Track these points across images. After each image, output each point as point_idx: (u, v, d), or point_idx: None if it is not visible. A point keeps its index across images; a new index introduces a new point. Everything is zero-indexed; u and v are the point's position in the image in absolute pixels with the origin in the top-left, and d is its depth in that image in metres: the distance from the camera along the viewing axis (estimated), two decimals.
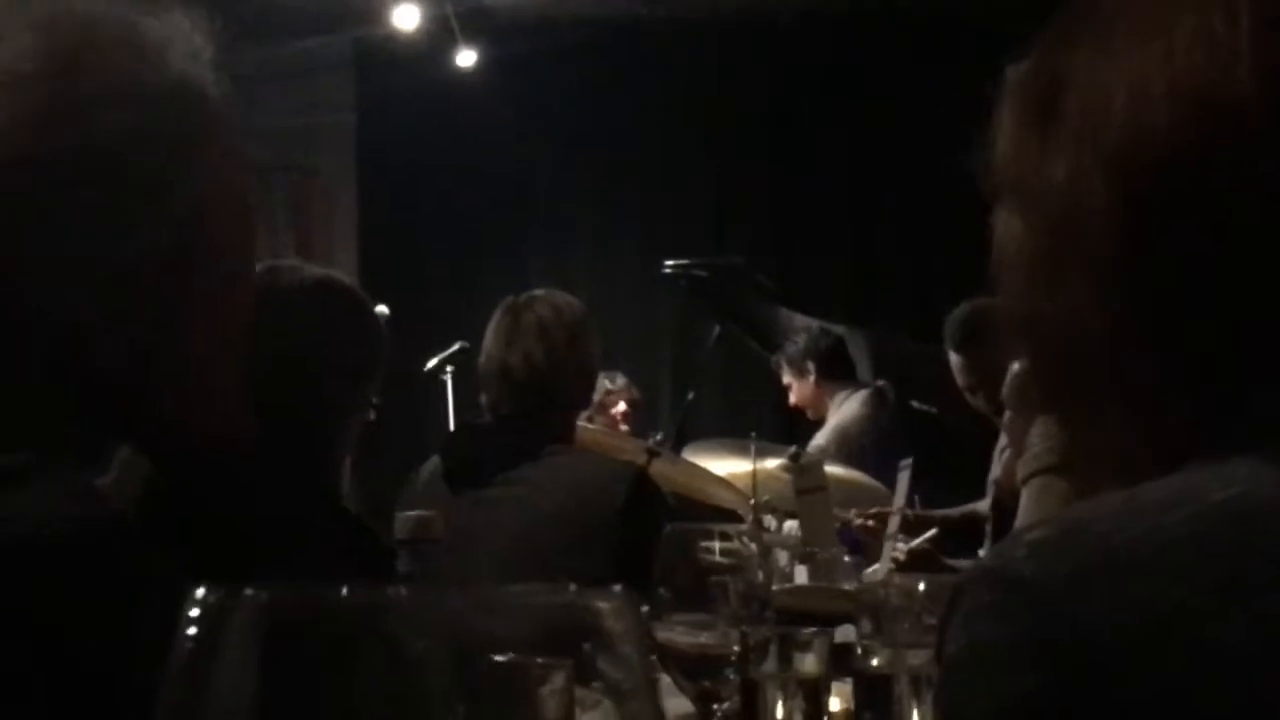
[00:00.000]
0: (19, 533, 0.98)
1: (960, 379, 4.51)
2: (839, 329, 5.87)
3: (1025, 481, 2.16)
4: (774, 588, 2.14)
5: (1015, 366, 2.53)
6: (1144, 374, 0.96)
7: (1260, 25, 0.93)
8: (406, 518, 1.44)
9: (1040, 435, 2.19)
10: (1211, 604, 0.82)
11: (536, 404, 3.37)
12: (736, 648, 1.65)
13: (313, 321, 2.34)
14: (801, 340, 5.85)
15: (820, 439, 5.59)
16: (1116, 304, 0.96)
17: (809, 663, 1.64)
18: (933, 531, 4.03)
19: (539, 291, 3.60)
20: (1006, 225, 1.06)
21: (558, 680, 0.49)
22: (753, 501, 4.39)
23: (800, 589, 2.39)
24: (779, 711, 1.57)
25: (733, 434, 5.33)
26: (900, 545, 4.24)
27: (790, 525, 4.57)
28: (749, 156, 7.37)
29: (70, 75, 1.12)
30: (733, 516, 4.68)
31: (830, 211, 7.18)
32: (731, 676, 1.63)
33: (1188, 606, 0.82)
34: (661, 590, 1.68)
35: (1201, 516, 0.86)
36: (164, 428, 1.13)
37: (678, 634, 1.65)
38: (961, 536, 4.42)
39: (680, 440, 5.45)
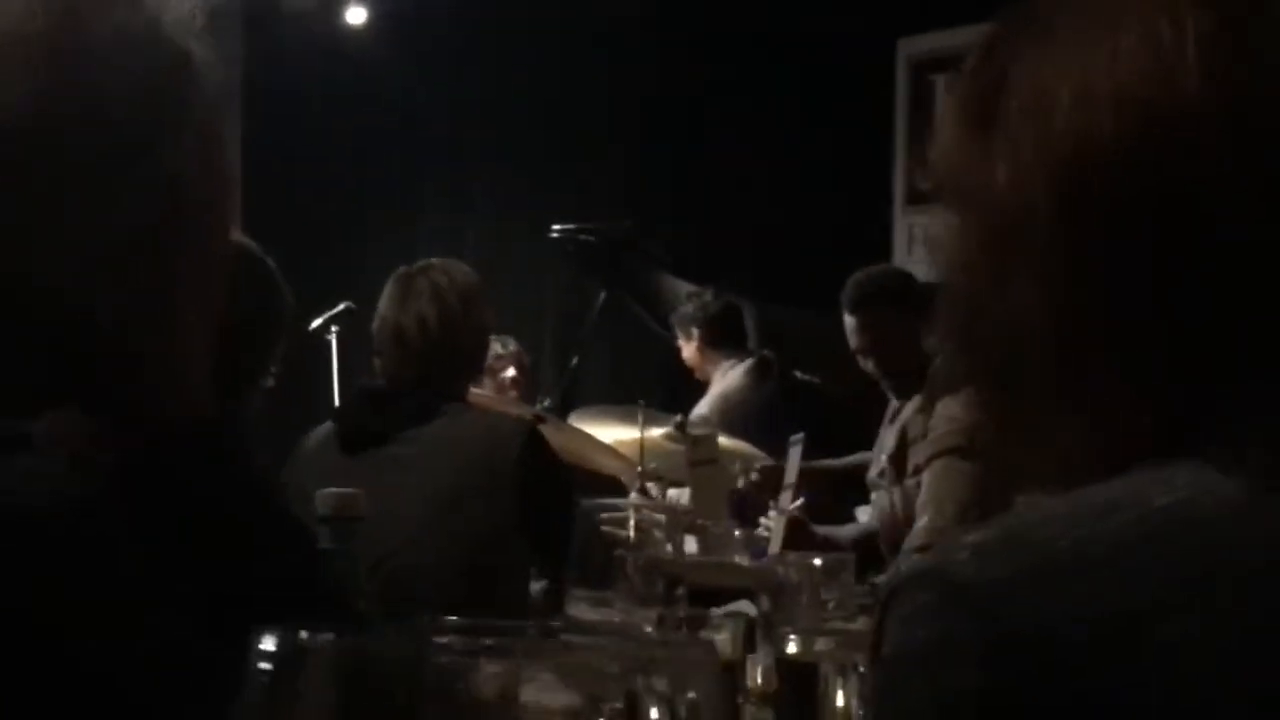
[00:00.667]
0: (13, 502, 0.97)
1: (852, 341, 4.56)
2: (731, 297, 5.89)
3: (929, 463, 2.18)
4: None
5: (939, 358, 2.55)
6: (1088, 377, 0.97)
7: (1206, 33, 0.94)
8: (329, 494, 1.42)
9: (944, 418, 2.21)
10: (1155, 609, 0.84)
11: (430, 367, 3.37)
12: (649, 628, 1.65)
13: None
14: (692, 304, 5.86)
15: (703, 407, 5.60)
16: (1060, 308, 0.97)
17: (724, 645, 1.65)
18: (800, 501, 4.06)
19: (433, 260, 3.61)
20: (946, 225, 1.06)
21: None
22: (640, 469, 4.41)
23: (696, 564, 2.40)
24: None
25: (617, 401, 5.33)
26: (773, 512, 4.28)
27: (674, 493, 4.59)
28: (642, 123, 7.35)
29: (66, 36, 1.12)
30: (617, 484, 4.70)
31: (721, 180, 7.18)
32: None
33: (1131, 611, 0.83)
34: (574, 568, 1.68)
35: (1144, 521, 0.87)
36: (143, 400, 1.12)
37: (584, 612, 1.65)
38: (850, 489, 4.47)
39: (565, 406, 5.44)
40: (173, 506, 1.10)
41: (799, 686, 1.51)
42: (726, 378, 5.71)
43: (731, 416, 5.37)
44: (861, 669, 1.40)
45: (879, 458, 4.53)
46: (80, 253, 1.11)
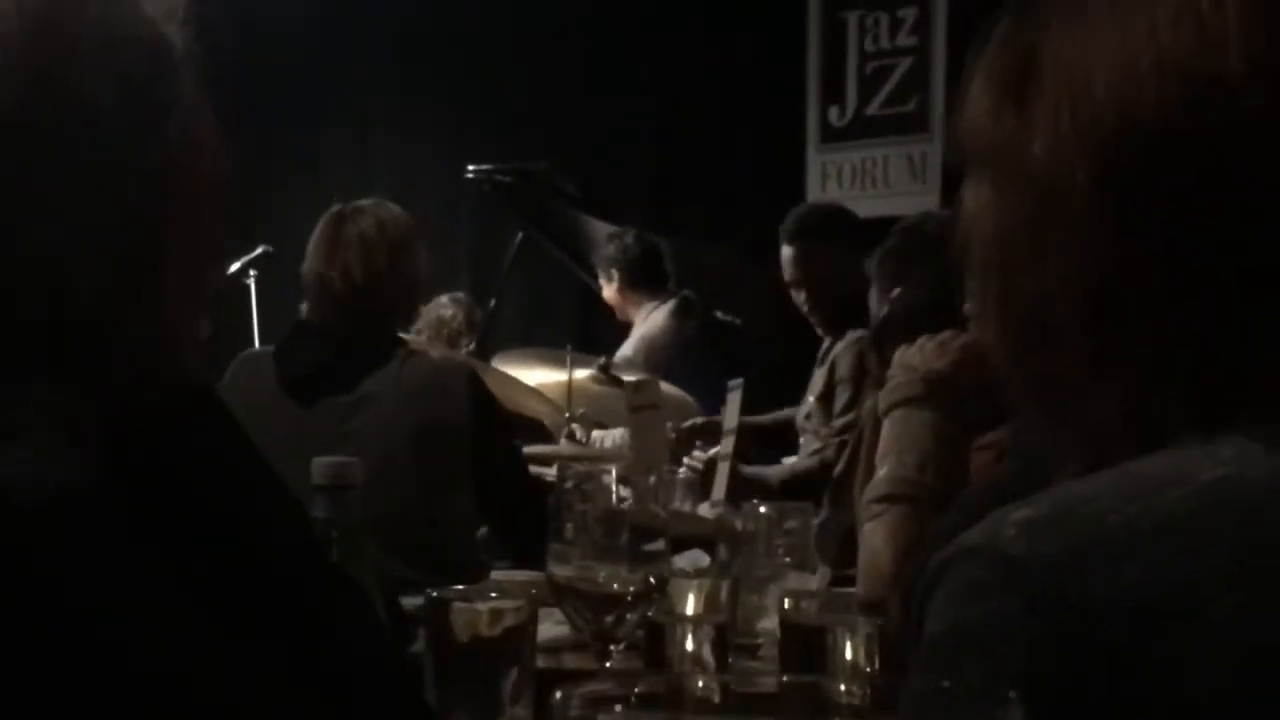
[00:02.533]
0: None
1: (787, 272, 4.58)
2: (651, 237, 5.87)
3: (886, 413, 2.18)
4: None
5: (884, 310, 2.55)
6: (1124, 350, 0.97)
7: (1247, 8, 0.94)
8: (325, 463, 1.40)
9: (901, 366, 2.21)
10: (1206, 586, 0.83)
11: (360, 319, 3.33)
12: (633, 588, 1.64)
13: None
14: (613, 245, 5.84)
15: (627, 349, 5.60)
16: (1098, 279, 0.96)
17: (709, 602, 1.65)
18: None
19: (365, 202, 3.52)
20: (977, 196, 1.06)
21: None
22: (568, 414, 4.41)
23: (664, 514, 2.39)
24: (688, 648, 1.58)
25: (533, 344, 5.32)
26: (698, 454, 4.30)
27: (597, 435, 4.60)
28: (556, 59, 7.30)
29: (47, 31, 1.11)
30: (542, 428, 4.70)
31: (637, 119, 7.16)
32: (630, 617, 1.63)
33: (1182, 588, 0.83)
34: (558, 528, 1.67)
35: (1192, 497, 0.87)
36: (129, 376, 1.11)
37: (575, 573, 1.64)
38: (772, 443, 4.50)
39: (481, 349, 5.42)
40: (164, 480, 1.10)
41: (800, 647, 1.51)
42: (649, 319, 5.71)
43: (656, 358, 5.38)
44: (867, 630, 1.41)
45: (807, 400, 4.55)
46: (65, 239, 1.10)
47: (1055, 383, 1.02)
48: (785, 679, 0.51)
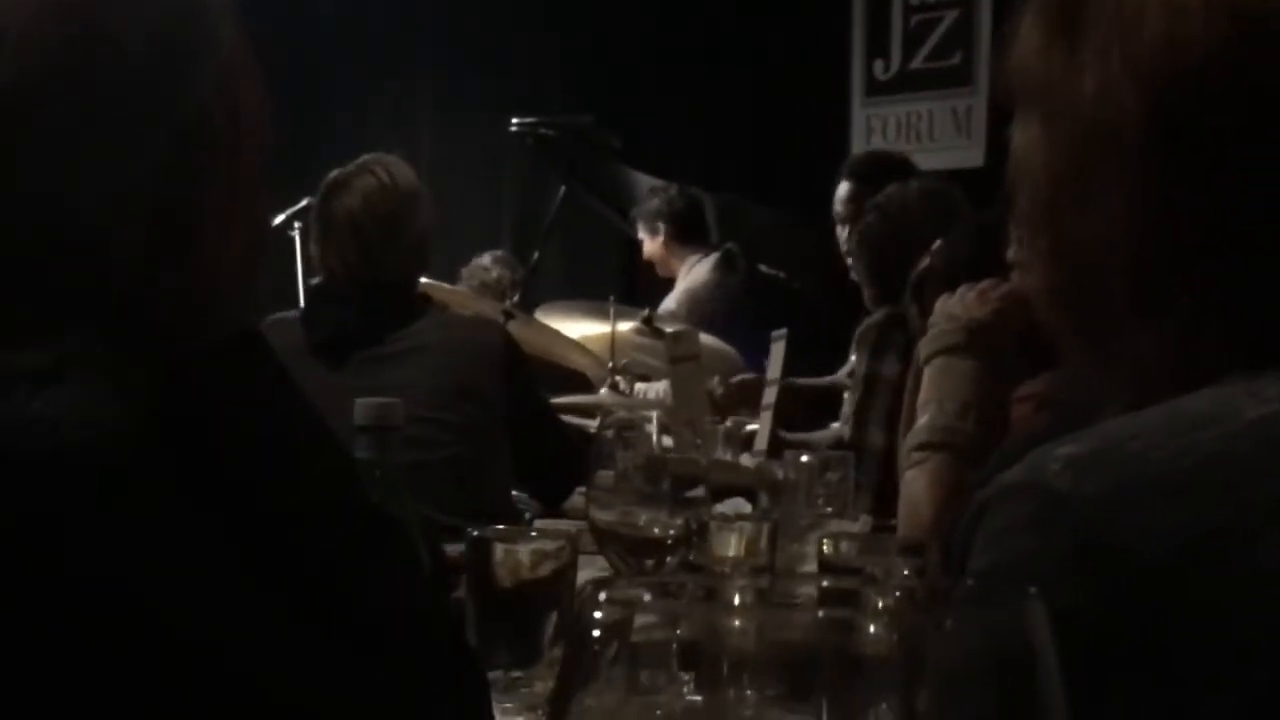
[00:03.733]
0: (34, 439, 0.96)
1: (838, 207, 4.57)
2: (695, 191, 5.87)
3: (928, 361, 2.18)
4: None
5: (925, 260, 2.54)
6: (1172, 286, 0.97)
7: None
8: (368, 404, 1.42)
9: (943, 315, 2.21)
10: (1248, 523, 0.84)
11: (365, 289, 3.28)
12: (674, 532, 1.66)
13: None
14: (657, 199, 5.84)
15: (670, 303, 5.60)
16: (1148, 217, 0.96)
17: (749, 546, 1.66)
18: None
19: (352, 169, 3.36)
20: (1026, 135, 1.06)
21: None
22: (611, 366, 4.41)
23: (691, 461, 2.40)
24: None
25: (576, 297, 5.32)
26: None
27: (640, 388, 4.60)
28: (600, 12, 7.27)
29: None
30: (585, 380, 4.71)
31: (681, 72, 7.13)
32: (670, 560, 1.64)
33: (1225, 526, 0.83)
34: (600, 473, 1.68)
35: (1236, 435, 0.87)
36: (171, 325, 1.12)
37: (617, 518, 1.66)
38: (826, 408, 4.48)
39: (524, 303, 5.43)
40: (206, 424, 1.10)
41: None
42: (692, 273, 5.71)
43: (700, 312, 5.37)
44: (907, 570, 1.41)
45: (851, 358, 4.54)
46: (103, 188, 1.11)
47: (1100, 322, 1.02)
48: (825, 583, 0.52)
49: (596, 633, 0.44)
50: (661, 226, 5.79)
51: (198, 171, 1.16)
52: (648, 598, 0.46)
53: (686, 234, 5.78)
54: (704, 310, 5.42)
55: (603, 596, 0.43)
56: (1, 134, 1.09)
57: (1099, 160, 0.98)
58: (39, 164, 1.10)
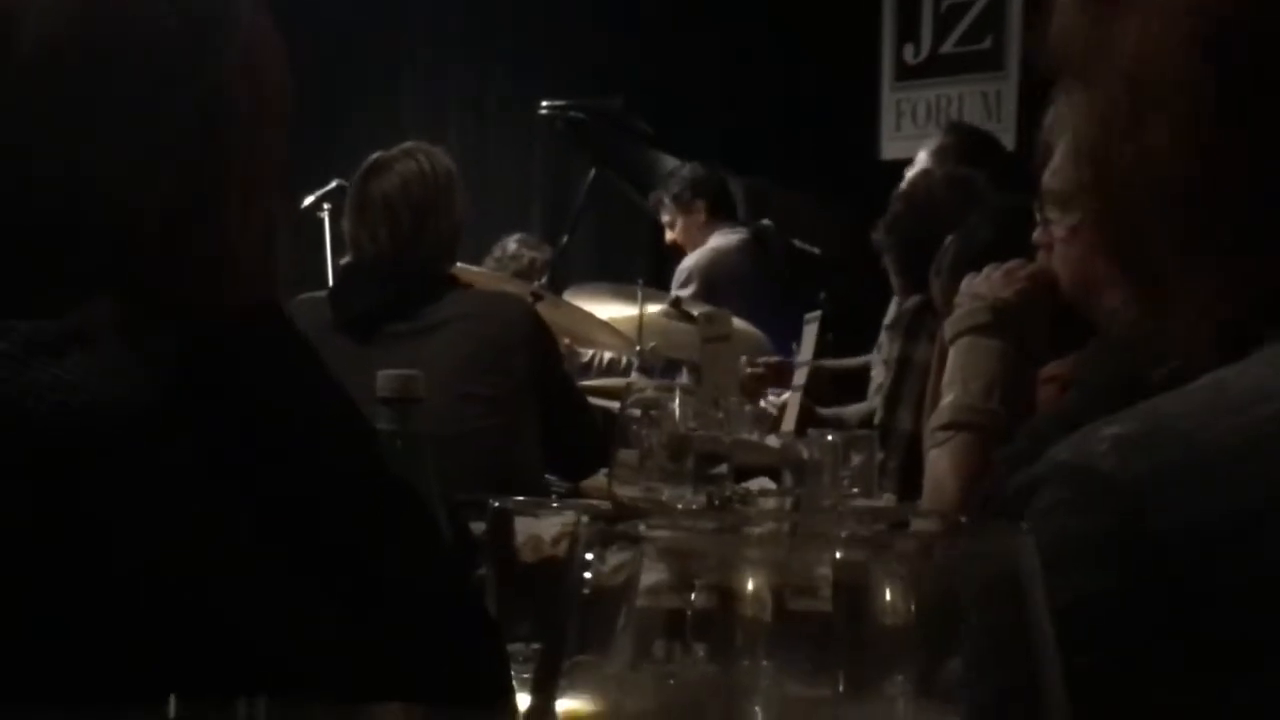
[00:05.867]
0: (57, 403, 0.97)
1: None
2: (722, 173, 5.87)
3: (953, 340, 2.18)
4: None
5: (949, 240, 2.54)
6: (1222, 232, 0.96)
7: None
8: (389, 375, 1.42)
9: (969, 295, 2.20)
10: None
11: (394, 271, 3.30)
12: (696, 507, 1.66)
13: None
14: (688, 176, 5.84)
15: (689, 261, 5.61)
16: (1196, 166, 0.95)
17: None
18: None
19: (394, 153, 3.42)
20: (1071, 103, 1.05)
21: None
22: (638, 348, 4.41)
23: (733, 441, 2.40)
24: None
25: (605, 279, 5.32)
26: (772, 399, 4.28)
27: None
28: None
29: None
30: (613, 361, 4.70)
31: (710, 56, 7.12)
32: None
33: (1266, 509, 0.82)
34: (623, 451, 1.68)
35: None
36: (193, 293, 1.13)
37: (640, 493, 1.66)
38: (847, 388, 4.47)
39: (553, 285, 5.43)
40: (227, 392, 1.11)
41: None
42: (719, 241, 5.72)
43: (721, 265, 5.38)
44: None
45: (881, 339, 4.53)
46: (126, 157, 1.12)
47: (1150, 273, 1.01)
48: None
49: (588, 575, 0.43)
50: (700, 203, 5.79)
51: (219, 141, 1.17)
52: (660, 532, 0.44)
53: (717, 208, 5.78)
54: (727, 284, 5.42)
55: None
56: (24, 102, 1.10)
57: (1145, 110, 0.96)
58: (61, 133, 1.11)
